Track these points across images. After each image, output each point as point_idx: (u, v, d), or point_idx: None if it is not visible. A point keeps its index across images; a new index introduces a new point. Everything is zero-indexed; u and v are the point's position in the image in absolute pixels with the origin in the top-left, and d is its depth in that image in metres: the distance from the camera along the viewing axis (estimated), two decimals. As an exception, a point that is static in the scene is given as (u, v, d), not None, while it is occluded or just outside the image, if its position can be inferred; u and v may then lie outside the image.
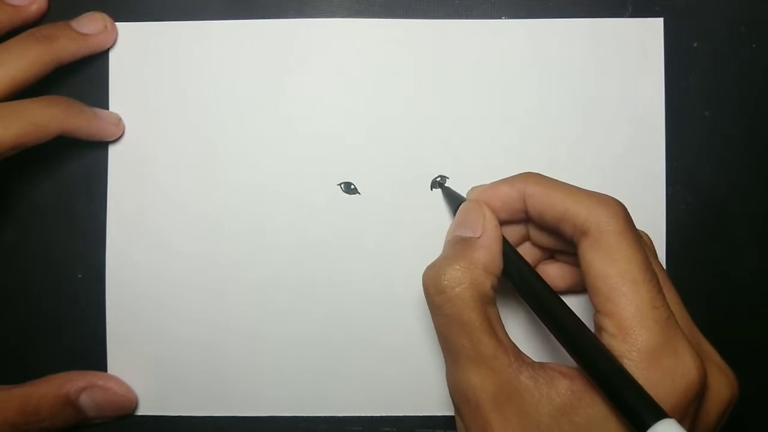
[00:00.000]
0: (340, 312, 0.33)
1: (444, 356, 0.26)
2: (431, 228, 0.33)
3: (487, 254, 0.26)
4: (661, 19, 0.33)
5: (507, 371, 0.24)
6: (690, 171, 0.33)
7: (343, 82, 0.33)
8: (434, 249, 0.32)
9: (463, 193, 0.31)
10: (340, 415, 0.33)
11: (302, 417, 0.33)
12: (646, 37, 0.33)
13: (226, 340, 0.33)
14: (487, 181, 0.32)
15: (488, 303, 0.26)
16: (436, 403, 0.33)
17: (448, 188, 0.32)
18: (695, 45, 0.33)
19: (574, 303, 0.32)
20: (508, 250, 0.27)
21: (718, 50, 0.33)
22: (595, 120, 0.33)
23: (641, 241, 0.25)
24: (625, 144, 0.33)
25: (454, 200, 0.31)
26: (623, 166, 0.33)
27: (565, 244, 0.28)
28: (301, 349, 0.33)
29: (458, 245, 0.27)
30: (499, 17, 0.33)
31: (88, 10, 0.32)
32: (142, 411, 0.33)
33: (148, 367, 0.33)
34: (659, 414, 0.21)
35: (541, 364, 0.25)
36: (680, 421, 0.23)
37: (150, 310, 0.33)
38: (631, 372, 0.23)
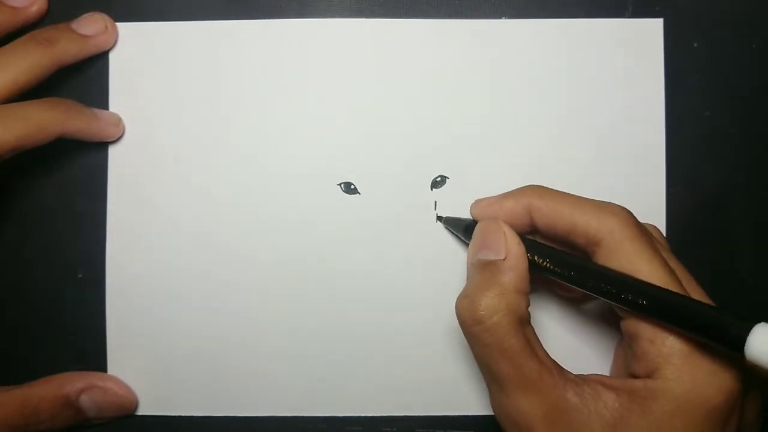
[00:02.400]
0: (340, 312, 0.33)
1: (487, 384, 0.26)
2: (431, 228, 0.33)
3: (517, 275, 0.26)
4: (661, 20, 0.33)
5: (554, 392, 0.24)
6: (690, 171, 0.33)
7: (343, 82, 0.33)
8: (434, 249, 0.33)
9: (462, 208, 0.31)
10: (340, 415, 0.33)
11: (302, 417, 0.33)
12: (646, 37, 0.33)
13: (227, 340, 0.33)
14: (487, 181, 0.32)
15: (525, 324, 0.25)
16: (436, 403, 0.33)
17: (448, 217, 0.32)
18: (695, 45, 0.33)
19: (592, 310, 0.32)
20: (532, 244, 0.27)
21: (718, 50, 0.33)
22: (595, 120, 0.33)
23: (654, 242, 0.25)
24: (625, 144, 0.33)
25: (459, 224, 0.31)
26: (623, 166, 0.33)
27: (575, 251, 0.28)
28: (301, 349, 0.33)
29: (485, 270, 0.26)
30: (500, 17, 0.33)
31: (88, 11, 0.32)
32: (142, 411, 0.33)
33: (148, 367, 0.33)
34: (749, 321, 0.21)
35: (583, 378, 0.25)
36: (729, 417, 0.23)
37: (150, 310, 0.33)
38: (675, 376, 0.23)
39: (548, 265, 0.27)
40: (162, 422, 0.33)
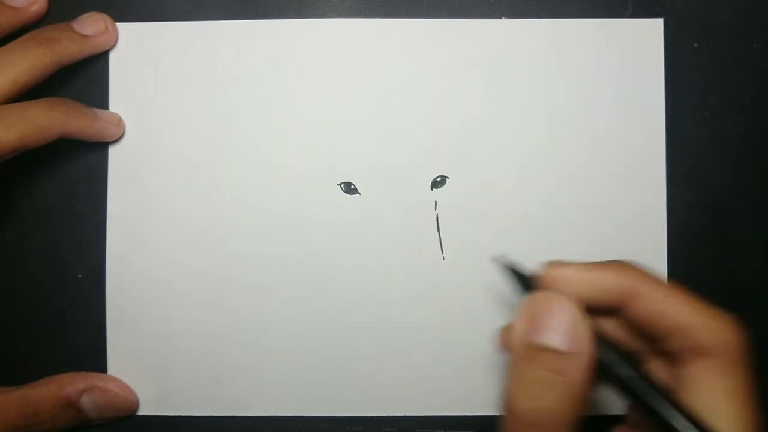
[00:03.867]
0: (341, 312, 0.33)
1: None
2: (432, 228, 0.33)
3: (585, 376, 0.22)
4: (661, 20, 0.33)
5: None
6: (690, 171, 0.33)
7: (343, 82, 0.33)
8: (435, 249, 0.32)
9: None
10: (340, 415, 0.33)
11: (302, 417, 0.33)
12: (646, 37, 0.33)
13: (227, 340, 0.33)
14: (487, 181, 0.32)
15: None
16: (436, 403, 0.33)
17: (507, 261, 0.26)
18: (695, 45, 0.33)
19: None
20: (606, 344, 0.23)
21: (718, 50, 0.33)
22: (596, 120, 0.33)
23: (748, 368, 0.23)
24: (625, 144, 0.33)
25: (516, 273, 0.26)
26: (623, 167, 0.33)
27: (651, 349, 0.24)
28: (301, 349, 0.33)
29: (550, 361, 0.22)
30: (499, 17, 0.33)
31: (89, 11, 0.32)
32: (142, 411, 0.33)
33: (148, 367, 0.33)
34: None
35: None
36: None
37: (150, 310, 0.33)
38: None
39: (618, 375, 0.22)
40: (162, 422, 0.33)
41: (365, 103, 0.33)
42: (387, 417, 0.33)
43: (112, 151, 0.33)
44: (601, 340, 0.23)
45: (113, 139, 0.33)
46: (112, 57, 0.33)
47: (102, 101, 0.33)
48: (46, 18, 0.33)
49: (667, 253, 0.33)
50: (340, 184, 0.33)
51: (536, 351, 0.22)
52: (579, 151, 0.33)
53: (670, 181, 0.33)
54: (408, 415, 0.33)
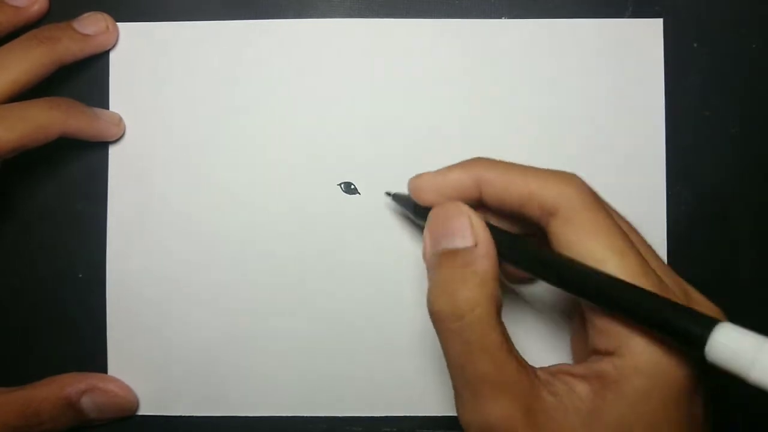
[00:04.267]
0: (341, 312, 0.33)
1: (459, 392, 0.24)
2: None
3: (491, 263, 0.24)
4: (661, 20, 0.33)
5: (530, 394, 0.23)
6: (690, 171, 0.33)
7: (343, 82, 0.33)
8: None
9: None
10: (340, 415, 0.33)
11: (302, 417, 0.33)
12: (646, 37, 0.33)
13: (227, 341, 0.33)
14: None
15: (501, 319, 0.24)
16: (436, 403, 0.33)
17: (398, 194, 0.30)
18: (695, 45, 0.33)
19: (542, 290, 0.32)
20: (495, 230, 0.25)
21: (718, 50, 0.33)
22: (595, 120, 0.33)
23: (608, 209, 0.24)
24: (625, 144, 0.33)
25: (410, 203, 0.29)
26: (623, 166, 0.33)
27: (525, 228, 0.27)
28: (301, 349, 0.33)
29: (455, 260, 0.24)
30: (499, 17, 0.33)
31: (89, 10, 0.32)
32: (142, 411, 0.33)
33: (148, 367, 0.33)
34: (711, 322, 0.20)
35: (551, 373, 0.24)
36: (699, 383, 0.22)
37: (150, 310, 0.33)
38: (642, 348, 0.22)
39: (512, 254, 0.25)
40: (162, 422, 0.33)
41: (365, 103, 0.33)
42: (387, 417, 0.33)
43: (113, 151, 0.33)
44: (494, 229, 0.25)
45: (113, 139, 0.33)
46: (113, 57, 0.33)
47: (102, 101, 0.33)
48: (47, 17, 0.33)
49: (667, 253, 0.33)
50: (340, 184, 0.33)
51: (445, 256, 0.24)
52: (579, 150, 0.33)
53: (670, 181, 0.33)
54: (408, 415, 0.33)
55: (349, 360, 0.33)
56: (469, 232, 0.24)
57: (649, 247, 0.26)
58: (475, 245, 0.24)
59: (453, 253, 0.24)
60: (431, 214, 0.26)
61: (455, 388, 0.24)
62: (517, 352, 0.24)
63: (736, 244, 0.33)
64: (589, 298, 0.23)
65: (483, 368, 0.23)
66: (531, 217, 0.25)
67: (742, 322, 0.29)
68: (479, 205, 0.26)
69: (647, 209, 0.33)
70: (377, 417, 0.33)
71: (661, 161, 0.33)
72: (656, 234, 0.32)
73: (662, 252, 0.33)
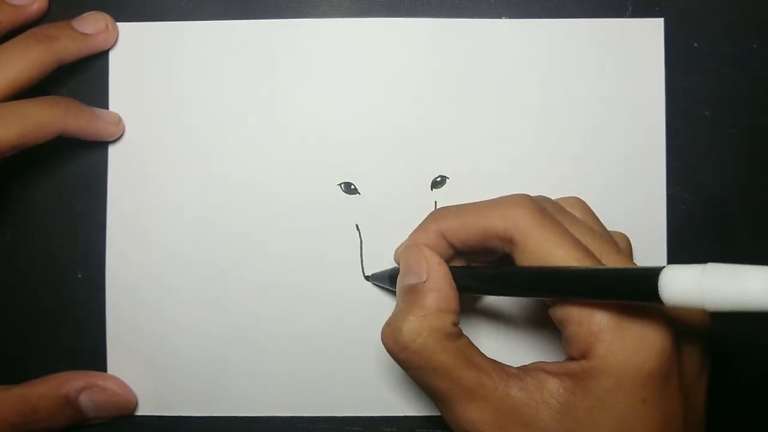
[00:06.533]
0: (341, 312, 0.33)
1: (433, 401, 0.26)
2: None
3: (439, 295, 0.26)
4: (661, 19, 0.33)
5: (497, 393, 0.24)
6: (690, 171, 0.33)
7: (343, 81, 0.33)
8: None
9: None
10: (340, 415, 0.33)
11: (302, 417, 0.33)
12: (646, 37, 0.33)
13: (226, 340, 0.33)
14: (487, 181, 0.32)
15: (455, 338, 0.25)
16: (436, 403, 0.33)
17: (374, 274, 0.32)
18: (695, 45, 0.33)
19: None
20: (453, 272, 0.27)
21: (718, 50, 0.33)
22: (595, 120, 0.33)
23: (558, 221, 0.25)
24: (626, 144, 0.33)
25: (384, 275, 0.32)
26: (623, 166, 0.33)
27: (500, 259, 0.28)
28: (301, 349, 0.33)
29: (408, 295, 0.26)
30: (499, 17, 0.33)
31: (89, 10, 0.32)
32: (141, 411, 0.33)
33: (147, 367, 0.33)
34: (656, 270, 0.20)
35: (524, 370, 0.25)
36: (667, 379, 0.23)
37: (150, 309, 0.33)
38: (606, 351, 0.23)
39: (467, 284, 0.27)
40: (162, 422, 0.33)
41: (365, 102, 0.33)
42: (387, 417, 0.33)
43: (112, 151, 0.33)
44: (455, 267, 0.27)
45: (113, 139, 0.33)
46: (112, 57, 0.33)
47: (102, 101, 0.33)
48: (47, 16, 0.33)
49: (667, 253, 0.33)
50: (340, 184, 0.33)
51: (404, 291, 0.27)
52: (579, 150, 0.33)
53: (670, 181, 0.33)
54: (408, 415, 0.33)
55: (349, 360, 0.33)
56: (423, 268, 0.27)
57: (611, 240, 0.27)
58: (426, 280, 0.26)
59: (408, 289, 0.27)
60: (400, 260, 0.28)
61: (429, 398, 0.26)
62: (483, 358, 0.25)
63: (736, 244, 0.33)
64: (545, 295, 0.25)
65: (441, 385, 0.25)
66: (497, 250, 0.26)
67: (742, 321, 0.29)
68: (457, 251, 0.28)
69: (647, 209, 0.33)
70: (377, 417, 0.33)
71: (661, 161, 0.33)
72: (656, 234, 0.32)
73: (662, 252, 0.33)
